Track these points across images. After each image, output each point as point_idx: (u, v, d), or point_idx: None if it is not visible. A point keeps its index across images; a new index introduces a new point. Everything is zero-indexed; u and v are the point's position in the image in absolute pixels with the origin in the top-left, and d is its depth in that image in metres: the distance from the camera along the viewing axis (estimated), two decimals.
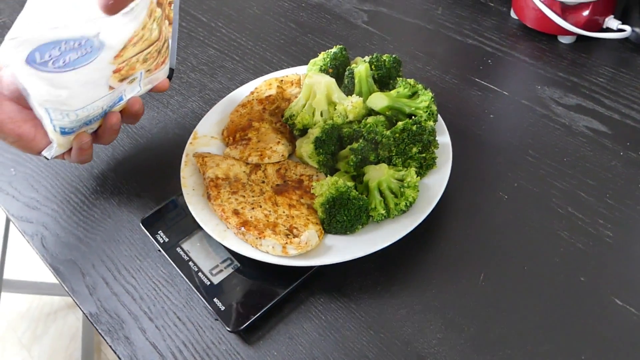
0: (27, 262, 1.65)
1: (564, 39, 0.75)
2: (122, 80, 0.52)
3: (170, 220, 0.59)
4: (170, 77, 0.61)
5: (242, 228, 0.52)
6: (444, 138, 0.59)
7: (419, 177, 0.54)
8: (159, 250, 0.57)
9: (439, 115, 0.61)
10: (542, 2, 0.73)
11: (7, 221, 1.21)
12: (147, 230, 0.59)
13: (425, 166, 0.56)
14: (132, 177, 0.67)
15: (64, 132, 0.53)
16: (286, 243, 0.51)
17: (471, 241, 0.56)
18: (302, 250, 0.51)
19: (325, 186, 0.53)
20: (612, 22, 0.72)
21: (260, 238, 0.52)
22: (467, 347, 0.49)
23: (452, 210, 0.58)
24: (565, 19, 0.72)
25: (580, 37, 0.74)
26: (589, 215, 0.56)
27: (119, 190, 0.65)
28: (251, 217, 0.53)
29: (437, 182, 0.56)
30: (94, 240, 0.61)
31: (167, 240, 0.58)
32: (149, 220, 0.60)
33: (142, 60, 0.52)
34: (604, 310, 0.50)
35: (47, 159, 0.57)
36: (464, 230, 0.57)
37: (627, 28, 0.72)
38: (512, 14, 0.80)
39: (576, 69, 0.71)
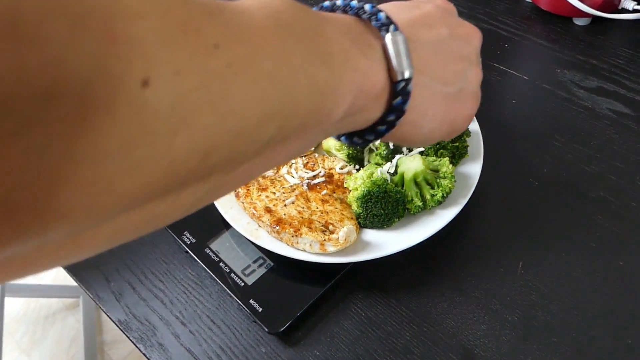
0: None
1: (579, 21, 0.75)
2: None
3: (196, 220, 0.57)
4: None
5: (277, 226, 0.51)
6: (473, 126, 0.58)
7: (453, 167, 0.53)
8: (187, 252, 0.56)
9: None
10: None
11: None
12: (172, 231, 0.57)
13: (458, 155, 0.55)
14: None
15: None
16: (324, 240, 0.50)
17: (505, 229, 0.55)
18: (341, 247, 0.49)
19: (360, 180, 0.52)
20: (628, 2, 0.72)
21: (296, 236, 0.50)
22: (513, 337, 0.48)
23: (483, 199, 0.58)
24: (580, 0, 0.71)
25: (595, 19, 0.74)
26: (621, 199, 0.56)
27: None
28: (284, 215, 0.52)
29: (471, 170, 0.55)
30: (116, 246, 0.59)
31: (194, 241, 0.56)
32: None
33: None
34: None
35: None
36: (497, 219, 0.56)
37: None
38: None
39: (594, 51, 0.71)
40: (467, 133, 0.55)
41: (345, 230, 0.50)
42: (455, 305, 0.51)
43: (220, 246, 0.55)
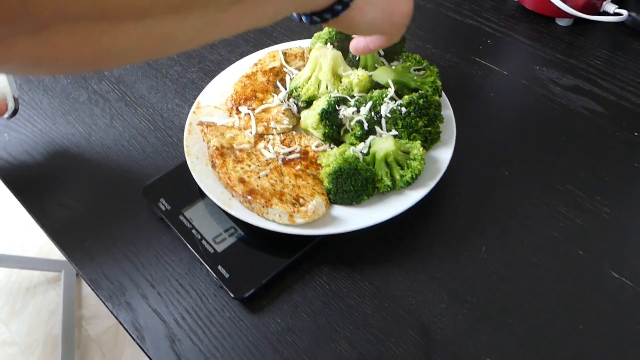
0: (5, 235, 1.62)
1: (562, 22, 0.76)
2: None
3: (172, 189, 0.59)
4: (14, 113, 0.59)
5: (249, 196, 0.52)
6: (447, 112, 0.60)
7: (424, 150, 0.55)
8: (161, 218, 0.57)
9: (442, 91, 0.61)
10: None
11: None
12: (148, 199, 0.58)
13: (430, 140, 0.56)
14: (132, 145, 0.65)
15: None
16: (293, 212, 0.51)
17: (473, 215, 0.57)
18: (309, 219, 0.51)
19: (332, 156, 0.53)
20: (609, 6, 0.73)
21: (267, 206, 0.51)
22: (470, 317, 0.50)
23: (454, 185, 0.59)
24: (563, 1, 0.73)
25: (577, 20, 0.75)
26: (587, 192, 0.58)
27: (118, 158, 0.64)
28: (257, 186, 0.53)
29: (441, 155, 0.56)
30: (93, 208, 0.60)
31: (169, 208, 0.57)
32: (150, 189, 0.59)
33: None
34: (601, 283, 0.51)
35: None
36: (466, 205, 0.58)
37: (624, 12, 0.73)
38: None
39: (574, 51, 0.73)
40: (440, 119, 0.56)
41: (314, 203, 0.51)
42: (417, 284, 0.52)
43: (193, 214, 0.57)
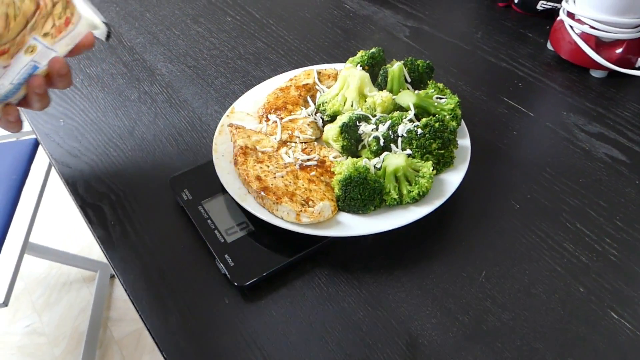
0: (54, 230, 1.72)
1: (596, 73, 0.78)
2: (12, 56, 0.50)
3: (197, 182, 0.63)
4: (109, 35, 0.57)
5: (262, 192, 0.56)
6: (464, 141, 0.62)
7: (434, 171, 0.57)
8: (182, 207, 0.61)
9: (462, 121, 0.64)
10: (578, 36, 0.76)
11: (43, 185, 1.28)
12: (174, 189, 0.63)
13: (443, 163, 0.59)
14: (169, 141, 0.71)
15: None
16: (300, 211, 0.54)
17: (478, 241, 0.58)
18: (315, 219, 0.54)
19: (345, 165, 0.56)
20: None
21: (277, 203, 0.55)
22: (459, 335, 0.51)
23: (464, 210, 0.61)
24: (599, 53, 0.75)
25: (611, 73, 0.77)
26: (596, 233, 0.58)
27: (154, 151, 0.70)
28: (272, 185, 0.57)
29: (452, 179, 0.58)
30: (123, 192, 0.65)
31: (190, 198, 0.61)
32: (176, 180, 0.64)
33: (29, 31, 0.50)
34: (598, 321, 0.51)
35: None
36: (472, 230, 0.59)
37: None
38: (549, 45, 0.83)
39: (604, 101, 0.74)
40: (454, 144, 0.59)
41: (321, 205, 0.54)
42: (412, 297, 0.54)
43: (212, 206, 0.61)
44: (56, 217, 1.76)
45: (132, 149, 0.71)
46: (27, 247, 1.17)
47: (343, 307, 0.53)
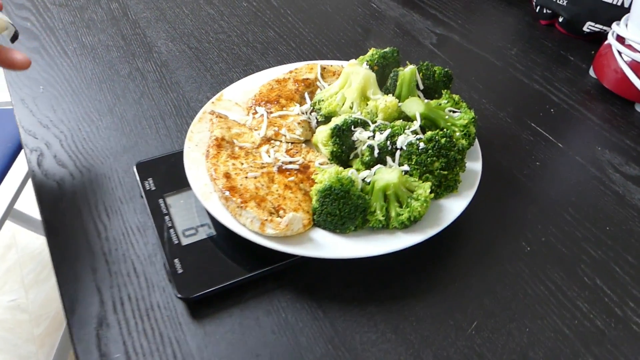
0: None
1: None
2: None
3: (165, 172, 0.56)
4: (15, 37, 0.54)
5: (227, 192, 0.48)
6: (474, 165, 0.53)
7: (432, 194, 0.48)
8: (142, 197, 0.54)
9: (477, 142, 0.55)
10: (627, 64, 0.66)
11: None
12: (139, 175, 0.55)
13: (445, 186, 0.50)
14: (149, 123, 0.64)
15: None
16: (266, 220, 0.46)
17: (474, 283, 0.49)
18: (280, 232, 0.45)
19: (327, 173, 0.48)
20: None
21: (241, 207, 0.47)
22: None
23: (463, 245, 0.51)
24: None
25: None
26: (618, 294, 0.48)
27: (130, 132, 0.63)
28: (240, 185, 0.49)
29: (453, 206, 0.49)
30: (86, 170, 0.58)
31: (153, 188, 0.54)
32: (143, 166, 0.56)
33: None
34: None
35: None
36: (469, 270, 0.50)
37: None
38: (591, 72, 0.73)
39: None
40: (460, 166, 0.50)
41: (290, 216, 0.46)
42: (384, 341, 0.45)
43: (175, 201, 0.53)
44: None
45: (107, 126, 0.64)
46: (9, 214, 1.13)
47: (299, 340, 0.45)
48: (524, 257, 0.51)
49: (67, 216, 0.54)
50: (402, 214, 0.46)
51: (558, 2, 0.79)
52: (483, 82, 0.72)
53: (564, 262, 0.50)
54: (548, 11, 0.82)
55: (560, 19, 0.81)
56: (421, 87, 0.58)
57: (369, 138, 0.51)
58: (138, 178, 0.55)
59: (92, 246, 0.51)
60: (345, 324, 0.46)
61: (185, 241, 0.49)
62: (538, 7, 0.83)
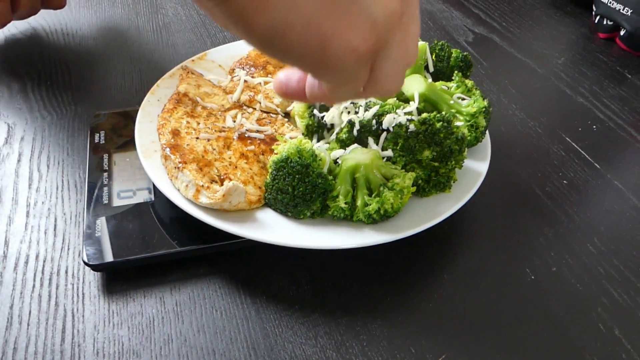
0: None
1: None
2: None
3: (122, 127, 0.49)
4: None
5: (168, 149, 0.40)
6: (479, 166, 0.43)
7: (414, 188, 0.39)
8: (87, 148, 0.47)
9: (488, 140, 0.45)
10: None
11: None
12: (91, 126, 0.49)
13: (435, 182, 0.40)
14: (129, 75, 0.58)
15: None
16: (202, 186, 0.37)
17: (452, 307, 0.38)
18: (215, 203, 0.37)
19: (288, 144, 0.39)
20: None
21: (178, 169, 0.39)
22: None
23: (451, 259, 0.41)
24: None
25: None
26: (636, 344, 0.36)
27: (105, 84, 0.57)
28: (187, 145, 0.41)
29: (440, 208, 0.39)
30: (47, 114, 0.52)
31: (102, 142, 0.47)
32: (101, 117, 0.50)
33: None
34: None
35: None
36: (454, 289, 0.39)
37: None
38: None
39: None
40: (457, 160, 0.40)
41: (230, 185, 0.37)
42: (316, 351, 0.35)
43: (121, 160, 0.46)
44: None
45: (84, 77, 0.58)
46: None
47: (216, 340, 0.36)
48: (525, 286, 0.40)
49: (5, 162, 0.47)
50: (370, 204, 0.37)
51: (621, 11, 0.68)
52: (517, 87, 0.62)
53: (576, 301, 0.39)
54: (609, 22, 0.70)
55: (622, 32, 0.69)
56: (431, 69, 0.48)
57: (349, 112, 0.42)
58: (89, 129, 0.48)
59: (20, 196, 0.44)
60: (279, 329, 0.36)
61: (116, 202, 0.42)
62: (597, 17, 0.72)
